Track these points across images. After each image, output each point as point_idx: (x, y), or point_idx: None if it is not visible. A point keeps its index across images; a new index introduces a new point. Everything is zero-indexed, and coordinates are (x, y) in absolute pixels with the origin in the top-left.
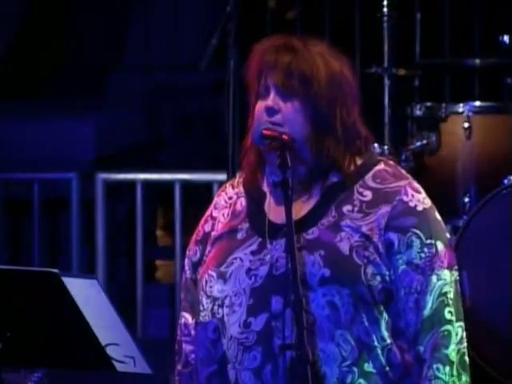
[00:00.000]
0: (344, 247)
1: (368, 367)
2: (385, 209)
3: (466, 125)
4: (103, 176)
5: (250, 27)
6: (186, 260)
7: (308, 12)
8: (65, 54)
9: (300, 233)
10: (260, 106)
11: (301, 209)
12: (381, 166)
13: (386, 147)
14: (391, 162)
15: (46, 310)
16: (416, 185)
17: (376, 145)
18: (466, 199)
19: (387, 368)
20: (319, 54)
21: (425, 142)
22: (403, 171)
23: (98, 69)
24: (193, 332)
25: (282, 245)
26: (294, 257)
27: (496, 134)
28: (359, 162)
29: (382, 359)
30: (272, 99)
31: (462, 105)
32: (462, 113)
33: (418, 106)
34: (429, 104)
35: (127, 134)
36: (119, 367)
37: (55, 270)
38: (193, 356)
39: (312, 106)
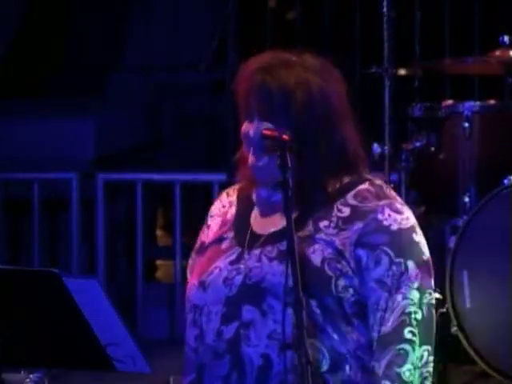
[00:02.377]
0: (316, 259)
1: (342, 375)
2: (357, 225)
3: (466, 125)
4: (103, 176)
5: (249, 27)
6: (188, 269)
7: (308, 12)
8: (65, 54)
9: (275, 244)
10: (245, 128)
11: (279, 222)
12: (365, 186)
13: (385, 147)
14: (378, 182)
15: (46, 310)
16: (398, 206)
17: (376, 145)
18: (466, 199)
19: (358, 379)
20: (301, 75)
21: (425, 142)
22: (389, 192)
23: (98, 69)
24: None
25: (257, 254)
26: (294, 258)
27: (496, 133)
28: (345, 180)
29: (355, 370)
30: (254, 127)
31: (461, 105)
32: (462, 113)
33: (418, 106)
34: (429, 104)
35: (127, 134)
36: (119, 367)
37: (55, 270)
38: None
39: (292, 128)
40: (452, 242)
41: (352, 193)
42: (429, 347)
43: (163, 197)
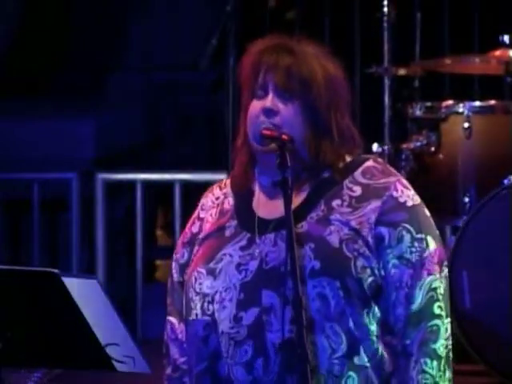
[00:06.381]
0: (334, 240)
1: (358, 360)
2: (375, 204)
3: (466, 125)
4: (103, 176)
5: (249, 27)
6: (173, 263)
7: (308, 12)
8: (65, 54)
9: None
10: (256, 106)
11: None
12: (370, 163)
13: (385, 147)
14: (380, 160)
15: (46, 310)
16: (405, 181)
17: (376, 145)
18: (466, 199)
19: (377, 362)
20: (315, 56)
21: (425, 142)
22: (392, 169)
23: (98, 69)
24: (180, 336)
25: (272, 239)
26: (293, 257)
27: (496, 133)
28: (348, 159)
29: (373, 353)
30: (271, 100)
31: (462, 105)
32: (462, 113)
33: (418, 106)
34: (429, 104)
35: (127, 133)
36: (119, 367)
37: (55, 270)
38: (181, 360)
39: (311, 108)
40: (452, 242)
41: (359, 170)
42: (449, 319)
43: (163, 197)
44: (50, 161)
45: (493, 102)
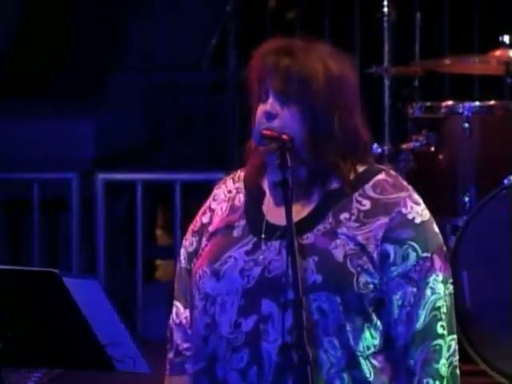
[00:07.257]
0: (338, 254)
1: (358, 374)
2: (383, 220)
3: (466, 125)
4: (103, 176)
5: (249, 27)
6: (182, 250)
7: (308, 12)
8: (65, 54)
9: (295, 237)
10: (260, 110)
11: (299, 212)
12: (381, 176)
13: (386, 147)
14: (392, 172)
15: (46, 310)
16: (416, 196)
17: (376, 145)
18: (466, 199)
19: (377, 375)
20: (319, 57)
21: (425, 142)
22: (404, 182)
23: (98, 69)
24: (184, 321)
25: (277, 247)
26: (294, 258)
27: (496, 133)
28: (360, 169)
29: (373, 366)
30: (270, 104)
31: (461, 105)
32: (462, 113)
33: (418, 106)
34: (429, 104)
35: (127, 133)
36: (119, 367)
37: (55, 270)
38: (184, 346)
39: (309, 110)
40: (452, 241)
41: (370, 184)
42: (454, 336)
43: (163, 197)
44: (50, 161)
45: (493, 102)
